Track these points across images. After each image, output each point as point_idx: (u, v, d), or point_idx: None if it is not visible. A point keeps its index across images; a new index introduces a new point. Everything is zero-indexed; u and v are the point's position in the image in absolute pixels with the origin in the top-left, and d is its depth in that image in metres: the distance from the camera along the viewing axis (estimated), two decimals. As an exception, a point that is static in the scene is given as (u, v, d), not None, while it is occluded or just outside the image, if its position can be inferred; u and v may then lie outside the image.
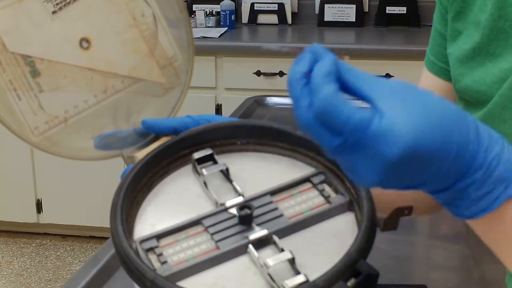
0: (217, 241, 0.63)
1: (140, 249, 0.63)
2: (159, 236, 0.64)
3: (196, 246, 0.63)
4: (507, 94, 0.74)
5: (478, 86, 0.78)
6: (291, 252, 0.59)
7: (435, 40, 0.89)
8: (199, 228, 0.65)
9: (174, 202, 0.69)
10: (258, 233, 0.62)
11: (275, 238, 0.62)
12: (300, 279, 0.57)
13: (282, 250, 0.60)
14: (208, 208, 0.67)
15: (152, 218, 0.67)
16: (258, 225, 0.64)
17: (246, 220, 0.64)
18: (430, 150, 0.51)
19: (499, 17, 0.76)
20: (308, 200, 0.67)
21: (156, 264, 0.61)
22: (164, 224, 0.65)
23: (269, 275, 0.58)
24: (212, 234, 0.64)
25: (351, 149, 0.51)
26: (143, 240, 0.63)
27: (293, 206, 0.66)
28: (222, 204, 0.66)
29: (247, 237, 0.62)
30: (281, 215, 0.65)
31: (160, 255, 0.62)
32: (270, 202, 0.65)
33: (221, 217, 0.65)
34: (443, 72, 0.88)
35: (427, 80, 0.92)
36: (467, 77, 0.80)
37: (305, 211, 0.65)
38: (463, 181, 0.55)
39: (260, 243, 0.62)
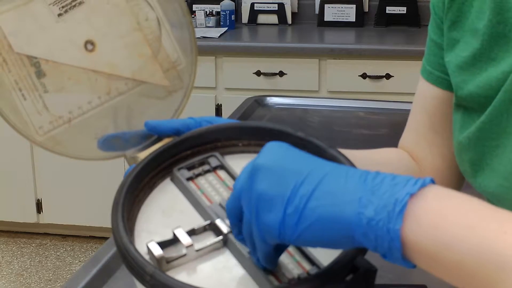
0: (220, 202, 0.67)
1: (189, 152, 0.71)
2: (216, 167, 0.71)
3: (212, 188, 0.69)
4: None
5: (485, 92, 0.78)
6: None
7: (431, 50, 0.90)
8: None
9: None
10: (222, 226, 0.64)
11: (220, 241, 0.63)
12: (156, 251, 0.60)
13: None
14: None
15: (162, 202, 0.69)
16: None
17: None
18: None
19: (498, 22, 0.77)
20: None
21: (181, 168, 0.70)
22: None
23: (173, 233, 0.62)
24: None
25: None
26: (202, 151, 0.72)
27: None
28: None
29: (217, 216, 0.65)
30: None
31: (191, 167, 0.70)
32: None
33: None
34: (440, 81, 0.89)
35: (424, 90, 0.92)
36: (470, 83, 0.80)
37: None
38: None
39: (215, 229, 0.64)
